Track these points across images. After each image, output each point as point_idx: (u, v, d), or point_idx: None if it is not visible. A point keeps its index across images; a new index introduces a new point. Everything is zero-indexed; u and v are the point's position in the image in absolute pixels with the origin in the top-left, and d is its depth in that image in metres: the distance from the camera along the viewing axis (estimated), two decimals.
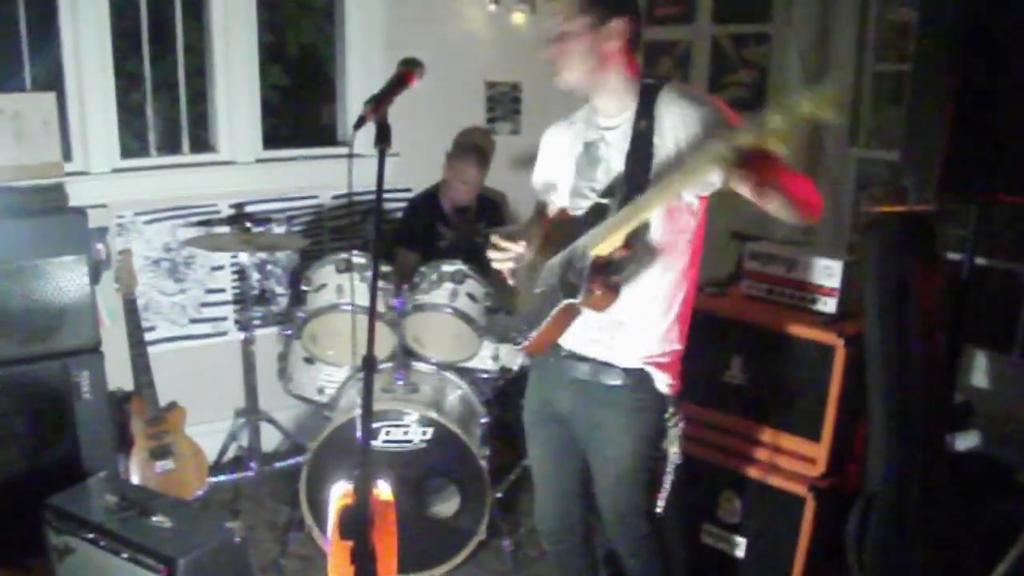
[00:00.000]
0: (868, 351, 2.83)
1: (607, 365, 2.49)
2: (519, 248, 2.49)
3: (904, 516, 2.81)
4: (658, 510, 2.60)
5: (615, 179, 2.39)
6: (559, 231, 2.55)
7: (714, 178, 2.19)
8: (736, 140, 1.89)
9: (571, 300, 2.35)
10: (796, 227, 2.48)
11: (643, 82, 2.41)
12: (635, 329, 2.46)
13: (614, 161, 2.41)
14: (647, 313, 2.45)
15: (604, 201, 2.39)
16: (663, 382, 2.50)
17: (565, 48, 2.36)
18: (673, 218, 2.39)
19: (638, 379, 2.48)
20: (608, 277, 2.30)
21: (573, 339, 2.52)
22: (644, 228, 2.30)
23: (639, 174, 2.33)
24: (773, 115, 1.80)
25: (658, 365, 2.49)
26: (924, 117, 3.06)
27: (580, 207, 2.49)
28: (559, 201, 2.64)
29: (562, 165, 2.59)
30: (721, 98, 2.46)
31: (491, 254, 2.53)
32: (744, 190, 2.07)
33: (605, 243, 2.28)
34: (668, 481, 2.55)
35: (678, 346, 2.54)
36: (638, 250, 2.35)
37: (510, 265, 2.54)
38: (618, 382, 2.48)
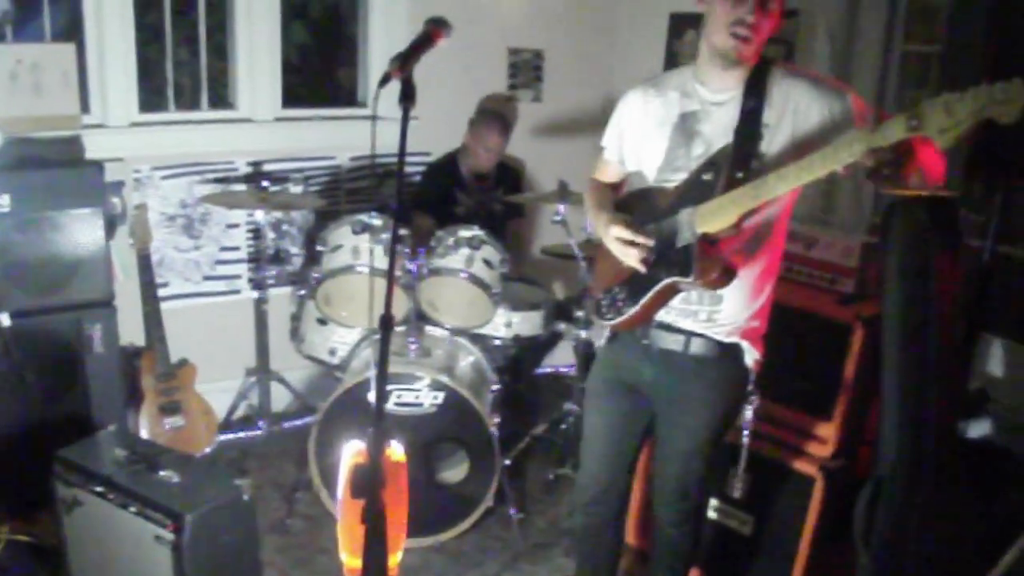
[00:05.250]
0: (885, 333, 2.81)
1: (701, 337, 2.45)
2: (647, 238, 2.36)
3: (913, 501, 2.80)
4: (735, 493, 2.69)
5: (718, 154, 2.30)
6: (641, 203, 2.49)
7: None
8: (888, 134, 1.83)
9: (681, 279, 2.30)
10: None
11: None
12: (733, 305, 2.42)
13: (716, 136, 2.34)
14: (746, 290, 2.42)
15: (706, 176, 2.30)
16: (752, 356, 2.49)
17: (766, 25, 2.25)
18: (787, 200, 2.38)
19: (730, 353, 2.47)
20: (724, 257, 2.24)
21: (666, 311, 2.46)
22: (755, 208, 2.20)
23: (746, 151, 2.26)
24: (936, 111, 1.72)
25: (751, 340, 2.48)
26: None
27: (671, 180, 2.43)
28: (645, 171, 2.56)
29: (652, 134, 2.49)
30: None
31: (626, 252, 2.39)
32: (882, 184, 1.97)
33: (717, 220, 2.21)
34: (744, 455, 2.62)
35: (765, 322, 2.53)
36: (748, 230, 2.29)
37: (646, 256, 2.37)
38: (710, 354, 2.45)
